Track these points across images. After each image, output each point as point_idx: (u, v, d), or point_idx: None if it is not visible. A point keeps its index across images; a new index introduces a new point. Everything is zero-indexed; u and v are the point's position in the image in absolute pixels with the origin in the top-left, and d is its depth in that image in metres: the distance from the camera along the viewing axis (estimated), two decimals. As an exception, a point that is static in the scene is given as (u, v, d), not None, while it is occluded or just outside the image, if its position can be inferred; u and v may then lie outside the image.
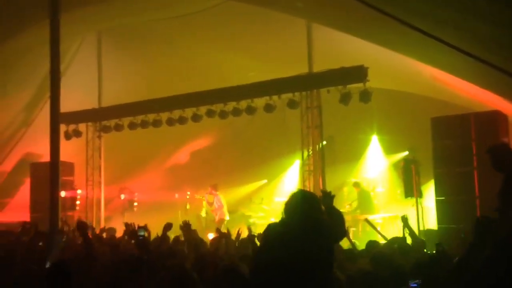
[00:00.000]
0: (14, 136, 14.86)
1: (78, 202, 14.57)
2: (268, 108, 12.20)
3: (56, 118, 8.03)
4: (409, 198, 10.86)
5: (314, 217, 3.93)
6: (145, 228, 6.90)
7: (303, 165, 12.64)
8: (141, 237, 6.65)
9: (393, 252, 5.88)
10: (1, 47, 11.70)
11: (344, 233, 4.31)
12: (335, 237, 4.10)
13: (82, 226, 6.05)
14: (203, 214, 15.13)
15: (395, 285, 4.51)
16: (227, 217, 14.69)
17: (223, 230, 9.30)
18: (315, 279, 3.74)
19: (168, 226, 7.21)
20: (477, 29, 6.80)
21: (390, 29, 7.80)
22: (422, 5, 6.87)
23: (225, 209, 14.83)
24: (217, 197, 14.86)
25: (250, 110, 12.42)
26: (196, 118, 13.13)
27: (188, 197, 15.95)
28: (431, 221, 11.06)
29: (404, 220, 7.92)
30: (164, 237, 7.24)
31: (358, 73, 10.89)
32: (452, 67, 9.61)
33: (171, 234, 8.15)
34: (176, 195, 16.31)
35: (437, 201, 10.00)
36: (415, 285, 4.53)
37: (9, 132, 14.74)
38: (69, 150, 12.31)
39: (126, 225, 8.30)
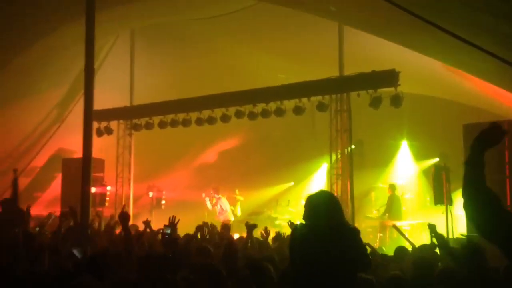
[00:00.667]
0: (47, 131, 15.13)
1: (107, 199, 14.76)
2: (297, 110, 12.16)
3: (89, 115, 8.16)
4: (439, 205, 10.67)
5: (337, 219, 3.91)
6: (171, 225, 6.83)
7: (331, 168, 12.55)
8: (166, 236, 6.65)
9: (434, 257, 5.76)
10: (36, 44, 11.95)
11: (369, 264, 4.10)
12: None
13: (125, 218, 5.89)
14: (237, 213, 14.97)
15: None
16: (231, 218, 14.43)
17: (230, 232, 9.37)
18: (340, 280, 3.73)
19: (200, 228, 7.37)
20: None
21: (423, 34, 7.69)
22: (452, 8, 6.74)
23: (229, 211, 14.54)
24: (220, 200, 14.59)
25: (279, 112, 12.37)
26: (225, 118, 13.16)
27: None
28: (461, 230, 10.83)
29: (432, 227, 7.76)
30: (194, 236, 7.32)
31: (389, 77, 10.75)
32: (486, 73, 9.42)
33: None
34: (203, 194, 16.39)
35: (467, 209, 9.76)
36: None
37: (43, 127, 15.03)
38: (100, 147, 12.48)
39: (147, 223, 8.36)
